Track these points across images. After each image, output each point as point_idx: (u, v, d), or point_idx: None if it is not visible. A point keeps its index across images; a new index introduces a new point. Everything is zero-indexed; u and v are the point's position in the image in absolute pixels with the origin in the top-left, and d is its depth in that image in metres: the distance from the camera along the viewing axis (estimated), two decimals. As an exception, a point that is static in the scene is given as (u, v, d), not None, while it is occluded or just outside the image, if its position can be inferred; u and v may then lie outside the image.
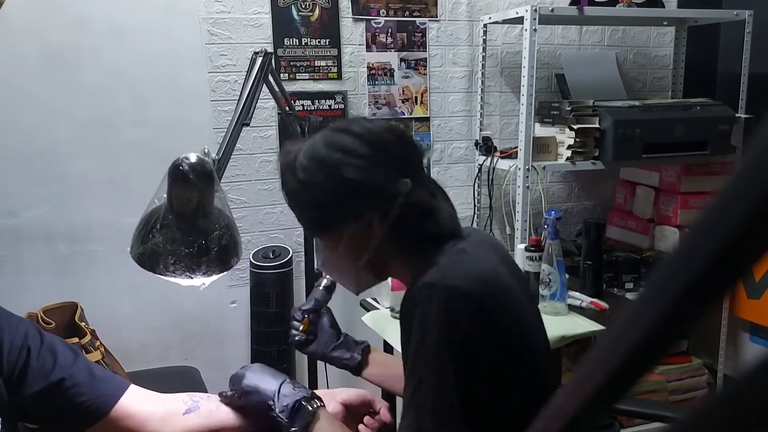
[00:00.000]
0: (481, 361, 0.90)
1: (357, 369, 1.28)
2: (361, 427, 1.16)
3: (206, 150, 1.13)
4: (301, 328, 1.26)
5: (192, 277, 1.05)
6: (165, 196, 1.04)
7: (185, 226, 1.02)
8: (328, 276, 1.29)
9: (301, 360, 2.30)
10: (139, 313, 2.28)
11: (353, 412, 1.17)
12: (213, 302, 2.35)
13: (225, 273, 1.09)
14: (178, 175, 1.02)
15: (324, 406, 1.05)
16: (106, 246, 2.20)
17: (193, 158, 1.04)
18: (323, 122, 2.42)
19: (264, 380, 1.06)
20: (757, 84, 2.46)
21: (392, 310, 2.14)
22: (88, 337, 1.87)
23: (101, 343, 1.94)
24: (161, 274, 1.04)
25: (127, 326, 2.27)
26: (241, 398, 1.07)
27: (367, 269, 1.04)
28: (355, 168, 0.96)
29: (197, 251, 1.02)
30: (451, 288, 0.89)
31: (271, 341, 2.29)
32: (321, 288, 1.31)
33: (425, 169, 1.08)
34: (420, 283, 0.92)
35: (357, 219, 0.99)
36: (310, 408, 1.02)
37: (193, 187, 1.03)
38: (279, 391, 1.04)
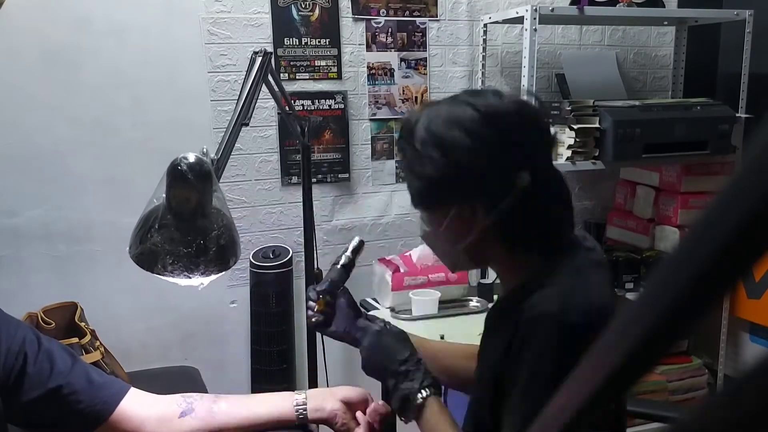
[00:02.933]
0: None
1: None
2: (359, 414, 1.16)
3: (205, 150, 1.13)
4: (316, 308, 1.19)
5: (190, 277, 1.04)
6: (164, 195, 1.04)
7: (183, 226, 1.02)
8: (347, 254, 1.23)
9: (302, 361, 2.30)
10: (139, 312, 2.28)
11: (353, 409, 1.17)
12: (213, 302, 2.35)
13: (223, 273, 1.08)
14: (176, 175, 1.02)
15: (438, 393, 1.03)
16: (105, 246, 2.20)
17: (191, 158, 1.04)
18: (323, 122, 2.43)
19: (396, 344, 1.07)
20: (757, 84, 2.45)
21: (392, 310, 2.14)
22: (87, 337, 1.88)
23: (101, 343, 1.94)
24: (159, 274, 1.04)
25: (127, 326, 2.27)
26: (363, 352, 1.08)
27: (465, 253, 0.99)
28: (470, 151, 0.90)
29: (195, 251, 1.01)
30: (573, 326, 0.84)
31: (271, 341, 2.29)
32: (339, 266, 1.23)
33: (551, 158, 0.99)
34: (540, 310, 0.87)
35: (462, 204, 0.93)
36: (419, 400, 1.01)
37: (191, 187, 1.02)
38: (397, 377, 1.03)
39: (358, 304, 1.23)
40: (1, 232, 2.13)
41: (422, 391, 1.01)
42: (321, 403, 1.13)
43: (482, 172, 0.91)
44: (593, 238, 1.07)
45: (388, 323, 1.14)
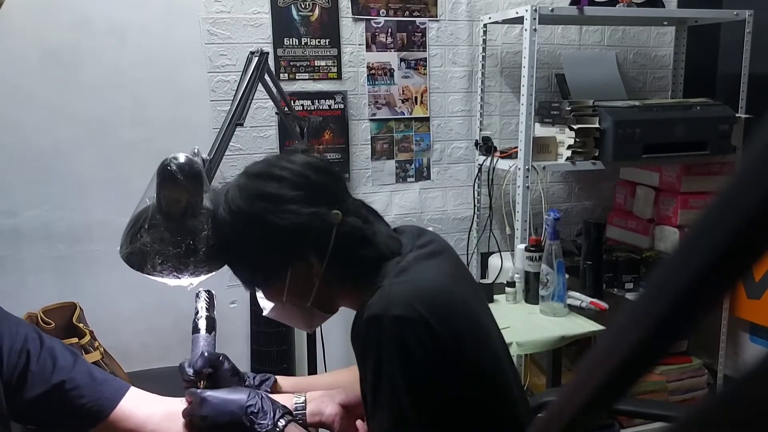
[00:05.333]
0: (439, 382, 0.89)
1: None
2: (359, 422, 1.16)
3: (196, 150, 1.13)
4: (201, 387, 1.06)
5: (179, 277, 1.04)
6: (154, 195, 1.04)
7: (173, 226, 1.02)
8: (201, 314, 1.14)
9: (302, 360, 2.30)
10: (139, 313, 2.28)
11: (352, 413, 1.16)
12: (213, 302, 2.35)
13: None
14: (166, 175, 1.02)
15: (294, 419, 1.04)
16: (105, 246, 2.20)
17: (181, 158, 1.04)
18: (323, 122, 2.43)
19: (231, 395, 1.02)
20: (757, 84, 2.45)
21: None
22: (87, 338, 1.88)
23: (100, 343, 1.95)
24: (149, 274, 1.04)
25: (127, 326, 2.27)
26: (209, 419, 1.01)
27: (316, 306, 1.03)
28: (284, 213, 0.94)
29: (185, 251, 1.01)
30: (396, 318, 0.87)
31: (270, 341, 2.29)
32: (203, 334, 1.12)
33: (352, 196, 1.06)
34: (365, 316, 0.90)
35: (295, 263, 0.97)
36: (280, 424, 1.00)
37: (181, 188, 1.02)
38: (247, 408, 1.00)
39: (238, 370, 1.14)
40: (1, 232, 2.13)
41: (278, 423, 1.00)
42: (320, 407, 1.13)
43: (302, 229, 0.94)
44: (431, 231, 1.11)
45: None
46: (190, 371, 1.07)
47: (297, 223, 0.94)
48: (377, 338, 0.88)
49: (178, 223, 1.02)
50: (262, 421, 1.00)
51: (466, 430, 0.93)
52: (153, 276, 1.04)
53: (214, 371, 1.08)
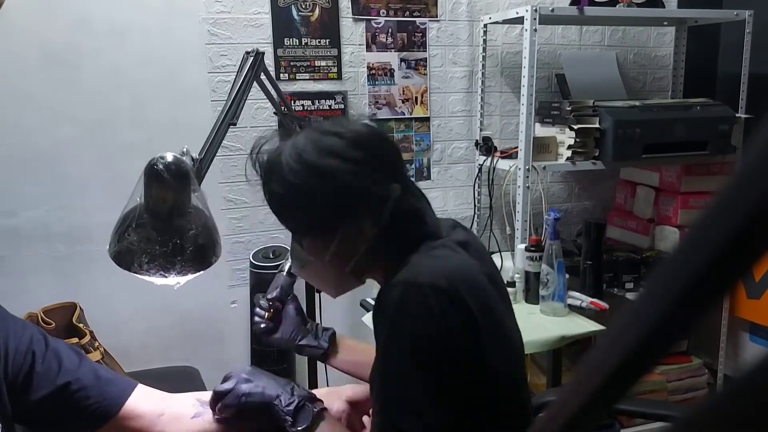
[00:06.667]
0: (457, 353, 0.90)
1: (323, 357, 1.27)
2: (365, 418, 1.16)
3: (185, 149, 1.13)
4: (266, 316, 1.20)
5: (166, 276, 1.04)
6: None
7: (160, 225, 1.02)
8: (286, 265, 1.24)
9: (302, 360, 2.30)
10: (140, 313, 2.28)
11: (360, 409, 1.17)
12: (213, 302, 2.35)
13: (200, 273, 1.08)
14: (152, 174, 1.03)
15: (326, 409, 1.04)
16: (105, 246, 2.19)
17: (168, 158, 1.04)
18: (319, 122, 2.43)
19: (266, 383, 1.05)
20: (757, 84, 2.45)
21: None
22: (87, 338, 1.88)
23: (100, 343, 1.95)
24: (136, 273, 1.04)
25: (128, 326, 2.27)
26: (242, 402, 1.03)
27: (350, 273, 1.04)
28: (349, 173, 0.94)
29: (171, 250, 1.01)
30: (421, 285, 0.88)
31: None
32: (285, 274, 1.25)
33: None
34: (391, 282, 0.92)
35: (349, 224, 0.98)
36: (314, 409, 1.01)
37: (167, 187, 1.03)
38: (281, 394, 1.03)
39: (304, 313, 1.23)
40: (1, 232, 2.13)
41: (316, 403, 1.02)
42: (326, 404, 1.13)
43: (364, 192, 0.96)
44: (466, 227, 1.12)
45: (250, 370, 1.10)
46: (264, 302, 1.20)
47: (362, 186, 0.95)
48: (399, 302, 0.89)
49: (164, 222, 1.03)
50: (287, 414, 1.01)
51: (472, 416, 0.93)
52: (140, 275, 1.04)
53: (283, 307, 1.21)
